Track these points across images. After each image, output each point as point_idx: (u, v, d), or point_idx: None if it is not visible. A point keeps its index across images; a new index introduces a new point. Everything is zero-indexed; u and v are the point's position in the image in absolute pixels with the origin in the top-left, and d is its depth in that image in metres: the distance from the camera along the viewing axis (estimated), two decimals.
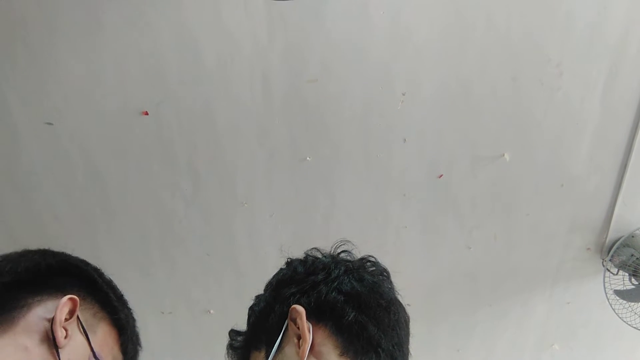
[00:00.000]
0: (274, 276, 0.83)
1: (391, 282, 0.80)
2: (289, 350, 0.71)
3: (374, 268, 0.80)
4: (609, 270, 2.15)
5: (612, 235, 2.15)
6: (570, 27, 1.73)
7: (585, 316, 2.41)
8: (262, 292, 0.85)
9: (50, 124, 1.72)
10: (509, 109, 1.86)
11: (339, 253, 0.82)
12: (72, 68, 1.65)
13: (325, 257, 0.81)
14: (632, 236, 2.13)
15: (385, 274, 0.80)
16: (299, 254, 0.85)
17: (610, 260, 2.15)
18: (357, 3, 1.64)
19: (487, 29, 1.72)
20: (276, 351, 0.71)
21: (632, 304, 2.12)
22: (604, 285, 2.14)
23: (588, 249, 2.20)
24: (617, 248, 2.14)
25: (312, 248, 0.83)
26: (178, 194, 1.91)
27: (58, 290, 0.68)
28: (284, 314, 0.73)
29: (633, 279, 2.09)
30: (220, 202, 1.95)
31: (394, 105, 1.82)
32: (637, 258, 2.06)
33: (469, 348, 2.49)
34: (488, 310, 2.35)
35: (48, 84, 1.66)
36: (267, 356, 0.72)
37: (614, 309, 2.13)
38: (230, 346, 0.86)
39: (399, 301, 0.79)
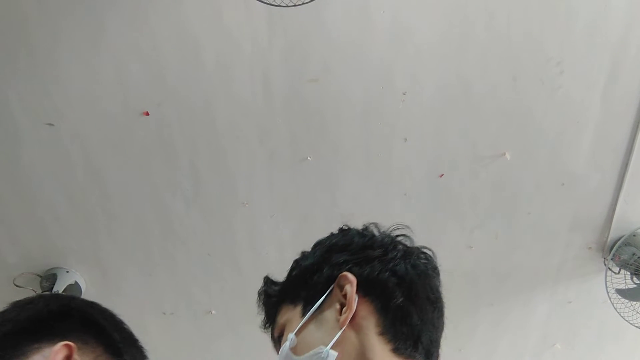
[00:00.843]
0: (326, 238, 0.81)
1: (440, 280, 0.79)
2: (329, 314, 0.70)
3: (426, 261, 0.78)
4: (610, 269, 2.14)
5: (613, 234, 2.15)
6: (571, 25, 1.73)
7: (586, 315, 2.40)
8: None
9: (51, 124, 1.72)
10: (509, 108, 1.86)
11: (397, 236, 0.80)
12: (72, 69, 1.65)
13: (383, 235, 0.79)
14: (634, 235, 2.12)
15: (437, 270, 0.79)
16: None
17: (611, 259, 2.14)
18: (358, 3, 1.64)
19: (487, 29, 1.72)
20: (315, 311, 0.71)
21: (634, 302, 2.12)
22: (606, 285, 2.13)
23: (589, 248, 2.20)
24: (619, 247, 2.13)
25: (371, 223, 0.81)
26: (179, 194, 1.91)
27: (57, 336, 0.69)
28: (332, 278, 0.72)
29: (635, 278, 2.08)
30: (221, 202, 1.95)
31: (394, 104, 1.82)
32: (639, 257, 2.05)
33: (471, 347, 2.48)
34: (489, 309, 2.35)
35: (48, 84, 1.66)
36: (304, 313, 0.72)
37: (615, 308, 2.13)
38: (264, 292, 0.84)
39: (443, 301, 0.78)
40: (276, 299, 0.80)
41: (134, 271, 2.05)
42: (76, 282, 1.99)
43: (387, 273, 0.71)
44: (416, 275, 0.73)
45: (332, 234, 0.82)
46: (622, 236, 2.13)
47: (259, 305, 0.84)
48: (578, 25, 1.73)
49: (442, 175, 1.97)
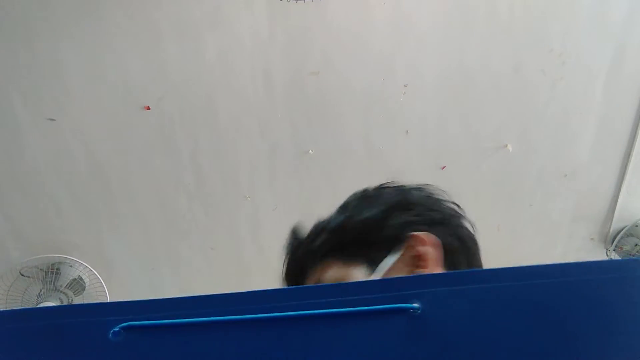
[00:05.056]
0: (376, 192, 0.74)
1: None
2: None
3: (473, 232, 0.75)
4: None
5: (615, 225, 2.15)
6: (573, 16, 1.72)
7: None
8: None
9: (52, 119, 1.72)
10: (511, 99, 1.85)
11: (448, 201, 0.77)
12: (73, 64, 1.65)
13: (445, 201, 0.75)
14: (636, 225, 2.12)
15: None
16: None
17: (614, 250, 2.15)
18: None
19: (488, 20, 1.71)
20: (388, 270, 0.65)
21: None
22: None
23: (592, 239, 2.20)
24: (621, 238, 2.13)
25: (426, 184, 0.76)
26: (181, 188, 1.92)
27: None
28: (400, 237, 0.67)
29: None
30: (223, 196, 1.95)
31: (396, 97, 1.82)
32: None
33: None
34: None
35: (49, 80, 1.66)
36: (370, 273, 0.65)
37: None
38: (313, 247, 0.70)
39: None
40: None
41: (136, 265, 2.06)
42: (79, 277, 2.00)
43: (451, 238, 0.68)
44: (472, 241, 0.71)
45: (390, 190, 0.73)
46: (625, 227, 2.13)
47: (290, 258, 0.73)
48: (580, 15, 1.72)
49: (444, 167, 1.97)
